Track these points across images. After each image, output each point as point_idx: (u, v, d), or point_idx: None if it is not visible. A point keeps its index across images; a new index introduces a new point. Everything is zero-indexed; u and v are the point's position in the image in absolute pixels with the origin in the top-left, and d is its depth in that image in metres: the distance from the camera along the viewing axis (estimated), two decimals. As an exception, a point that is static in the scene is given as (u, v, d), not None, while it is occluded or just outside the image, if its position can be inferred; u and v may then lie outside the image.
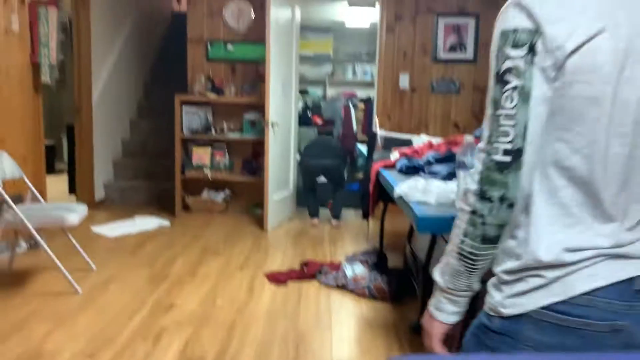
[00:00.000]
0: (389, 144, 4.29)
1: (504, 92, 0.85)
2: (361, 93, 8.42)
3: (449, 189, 2.08)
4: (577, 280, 0.87)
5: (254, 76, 5.47)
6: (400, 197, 2.11)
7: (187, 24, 5.49)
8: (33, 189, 3.66)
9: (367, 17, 7.06)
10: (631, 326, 0.87)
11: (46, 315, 2.89)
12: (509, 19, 0.86)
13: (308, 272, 3.61)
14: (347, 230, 4.99)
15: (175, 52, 6.64)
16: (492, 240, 0.90)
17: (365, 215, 4.60)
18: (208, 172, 5.35)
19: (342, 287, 3.39)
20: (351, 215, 5.53)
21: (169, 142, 5.63)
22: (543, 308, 0.89)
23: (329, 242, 4.57)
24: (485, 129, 0.89)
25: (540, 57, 0.83)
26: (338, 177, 5.17)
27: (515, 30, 0.84)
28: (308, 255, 4.10)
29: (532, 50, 0.83)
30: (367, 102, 7.88)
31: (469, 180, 0.91)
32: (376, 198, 3.50)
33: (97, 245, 4.24)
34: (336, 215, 5.18)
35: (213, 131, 5.41)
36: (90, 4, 5.26)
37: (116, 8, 5.94)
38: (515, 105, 0.84)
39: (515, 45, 0.84)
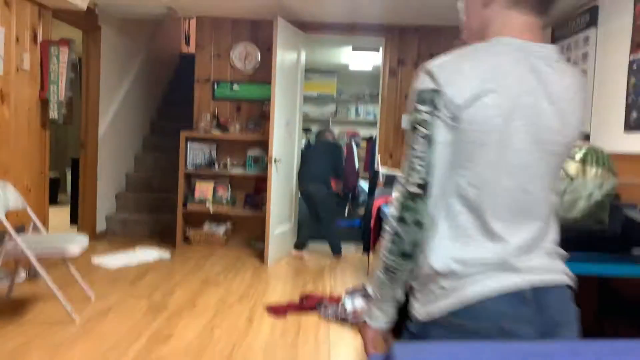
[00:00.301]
0: (390, 181, 4.34)
1: (416, 139, 1.04)
2: (364, 132, 8.52)
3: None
4: (469, 290, 1.02)
5: (259, 114, 5.57)
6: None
7: (195, 64, 5.63)
8: (36, 219, 3.69)
9: (370, 61, 7.22)
10: (519, 330, 1.01)
11: (42, 345, 2.87)
12: (420, 81, 1.06)
13: (308, 305, 3.59)
14: (348, 265, 4.97)
15: (182, 92, 6.80)
16: (408, 256, 1.07)
17: (366, 250, 4.60)
18: (210, 206, 5.38)
19: (343, 321, 3.37)
20: (352, 250, 5.52)
21: (173, 177, 5.69)
22: (446, 315, 1.04)
23: (330, 275, 4.55)
24: (404, 166, 1.08)
25: (442, 111, 1.02)
26: (323, 205, 5.16)
27: (423, 91, 1.04)
28: (308, 289, 4.07)
29: (435, 106, 1.02)
30: (370, 140, 7.98)
31: (391, 207, 1.10)
32: (377, 233, 3.54)
33: (97, 275, 4.23)
34: (333, 250, 5.21)
35: (216, 166, 5.47)
36: (100, 44, 5.41)
37: (126, 48, 6.11)
38: (424, 149, 1.04)
39: (423, 102, 1.04)
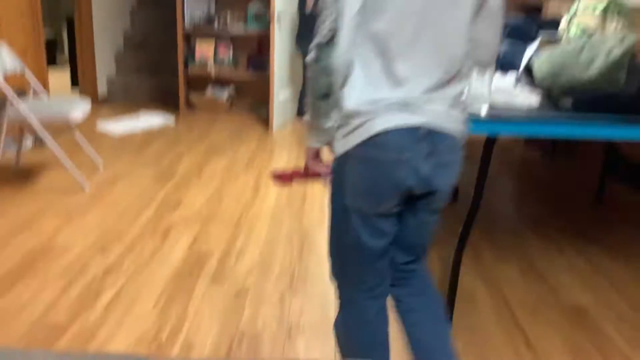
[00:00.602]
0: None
1: None
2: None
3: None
4: (374, 124, 1.19)
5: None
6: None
7: None
8: (36, 83, 3.60)
9: None
10: (413, 159, 1.21)
11: (55, 212, 2.96)
12: None
13: (312, 172, 3.63)
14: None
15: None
16: (325, 96, 1.30)
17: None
18: (212, 68, 5.23)
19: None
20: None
21: (172, 34, 5.45)
22: (356, 147, 1.22)
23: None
24: (319, 20, 1.25)
25: None
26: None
27: None
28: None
29: None
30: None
31: (309, 55, 1.28)
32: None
33: (103, 142, 4.25)
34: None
35: (216, 23, 5.20)
36: None
37: None
38: (332, 3, 1.21)
39: None
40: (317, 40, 1.24)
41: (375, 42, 1.18)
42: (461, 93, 1.27)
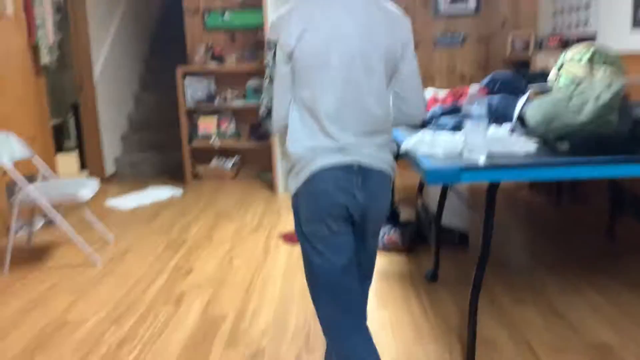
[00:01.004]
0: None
1: (265, 76, 1.56)
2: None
3: (456, 140, 2.07)
4: (315, 164, 1.47)
5: (254, 43, 5.41)
6: (407, 152, 2.11)
7: (183, -6, 5.42)
8: (44, 167, 3.70)
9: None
10: (350, 187, 1.48)
11: (67, 287, 2.96)
12: (268, 32, 1.53)
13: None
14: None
15: (173, 27, 6.58)
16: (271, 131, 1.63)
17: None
18: (215, 141, 5.36)
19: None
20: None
21: (175, 114, 5.63)
22: (302, 185, 1.50)
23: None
24: (260, 99, 1.60)
25: (279, 52, 1.48)
26: None
27: (268, 40, 1.52)
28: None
29: (274, 51, 1.49)
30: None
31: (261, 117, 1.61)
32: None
33: (113, 217, 4.30)
34: None
35: (217, 100, 5.39)
36: (84, -21, 5.19)
37: (111, -19, 5.87)
38: (267, 86, 1.55)
39: (269, 49, 1.51)
40: (260, 111, 1.60)
41: (307, 108, 1.49)
42: (387, 139, 1.55)
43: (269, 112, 1.56)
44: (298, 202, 1.53)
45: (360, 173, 1.48)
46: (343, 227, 1.52)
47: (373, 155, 1.50)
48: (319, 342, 2.28)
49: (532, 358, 2.11)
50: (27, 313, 2.66)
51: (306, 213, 1.52)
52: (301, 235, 1.57)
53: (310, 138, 1.48)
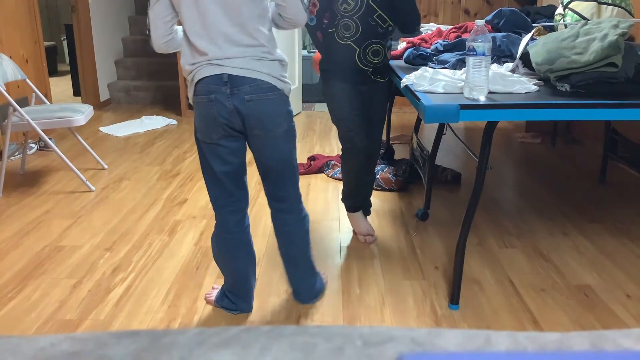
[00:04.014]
0: (396, 34, 4.16)
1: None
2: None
3: (457, 77, 2.03)
4: (195, 76, 1.71)
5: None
6: (407, 87, 2.08)
7: None
8: (37, 90, 3.63)
9: None
10: (220, 98, 1.69)
11: (62, 213, 2.99)
12: None
13: (315, 166, 3.66)
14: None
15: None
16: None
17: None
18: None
19: (350, 180, 3.45)
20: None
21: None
22: (193, 96, 1.75)
23: (336, 136, 4.57)
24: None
25: None
26: None
27: None
28: (315, 150, 4.13)
29: None
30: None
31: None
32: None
33: (107, 145, 4.28)
34: None
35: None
36: None
37: None
38: (149, 11, 1.72)
39: None
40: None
41: (184, 29, 1.69)
42: (263, 52, 1.70)
43: (149, 32, 1.75)
44: (194, 111, 1.78)
45: (230, 83, 1.67)
46: (224, 136, 1.75)
47: (245, 66, 1.67)
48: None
49: (514, 297, 2.18)
50: (21, 237, 2.70)
51: (195, 122, 1.79)
52: (196, 140, 1.83)
53: (190, 55, 1.70)
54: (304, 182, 3.47)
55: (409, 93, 2.03)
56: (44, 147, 4.05)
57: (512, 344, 0.38)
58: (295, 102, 5.35)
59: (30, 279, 2.31)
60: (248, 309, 2.06)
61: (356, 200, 2.64)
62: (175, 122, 4.98)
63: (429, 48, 2.62)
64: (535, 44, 2.06)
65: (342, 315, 2.07)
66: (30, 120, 3.17)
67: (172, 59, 5.49)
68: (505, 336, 0.39)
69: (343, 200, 2.69)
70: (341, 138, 2.49)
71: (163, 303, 2.13)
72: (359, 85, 2.44)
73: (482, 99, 1.79)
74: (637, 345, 0.39)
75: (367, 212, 2.73)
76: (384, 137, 4.11)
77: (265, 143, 1.79)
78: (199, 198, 3.20)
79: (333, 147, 4.23)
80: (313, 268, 2.12)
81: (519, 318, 2.04)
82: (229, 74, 1.67)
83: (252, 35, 1.68)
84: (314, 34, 2.48)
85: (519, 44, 2.28)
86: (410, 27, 2.44)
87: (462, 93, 1.87)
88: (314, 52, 4.99)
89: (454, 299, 2.10)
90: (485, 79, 1.79)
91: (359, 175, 2.56)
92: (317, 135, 4.60)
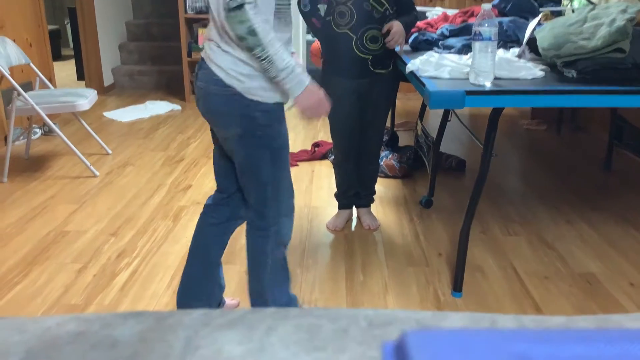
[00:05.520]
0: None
1: None
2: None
3: (463, 62, 2.01)
4: None
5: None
6: (412, 73, 2.06)
7: None
8: (41, 75, 3.63)
9: None
10: (197, 82, 1.60)
11: (67, 198, 3.00)
12: None
13: (319, 152, 3.65)
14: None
15: None
16: None
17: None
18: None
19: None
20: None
21: (174, 24, 5.46)
22: None
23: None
24: None
25: None
26: None
27: None
28: (319, 137, 4.12)
29: None
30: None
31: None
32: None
33: (111, 130, 4.28)
34: None
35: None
36: None
37: None
38: None
39: None
40: None
41: None
42: (220, 41, 1.51)
43: None
44: None
45: (198, 66, 1.59)
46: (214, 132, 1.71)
47: (207, 52, 1.56)
48: (314, 260, 2.35)
49: (518, 284, 2.18)
50: (27, 222, 2.71)
51: None
52: None
53: None
54: (307, 168, 3.47)
55: (414, 79, 2.02)
56: (48, 132, 4.06)
57: (518, 327, 0.38)
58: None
59: (35, 264, 2.32)
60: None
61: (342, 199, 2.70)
62: (179, 107, 4.97)
63: (435, 33, 2.60)
64: (542, 29, 2.04)
65: (346, 301, 2.08)
66: (35, 105, 3.17)
67: (175, 43, 5.47)
68: (511, 319, 0.39)
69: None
70: (332, 152, 2.50)
71: (168, 288, 2.15)
72: (360, 78, 2.36)
73: (488, 85, 1.78)
74: (644, 328, 0.39)
75: (369, 202, 2.73)
76: (388, 124, 4.10)
77: (222, 139, 1.66)
78: (204, 184, 3.21)
79: (337, 134, 4.21)
80: (262, 296, 1.77)
81: (522, 305, 2.04)
82: (201, 56, 1.60)
83: (215, 22, 1.53)
84: (309, 20, 2.44)
85: (525, 28, 2.26)
86: (411, 5, 2.38)
87: (468, 79, 1.85)
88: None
89: (457, 286, 2.11)
90: (492, 65, 1.78)
91: (342, 184, 2.66)
92: (321, 122, 4.58)
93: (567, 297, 2.09)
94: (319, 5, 2.39)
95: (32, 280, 2.19)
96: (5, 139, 3.60)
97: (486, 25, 1.74)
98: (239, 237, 2.45)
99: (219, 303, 1.92)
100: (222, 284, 1.90)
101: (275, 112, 1.59)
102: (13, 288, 2.14)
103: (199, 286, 1.83)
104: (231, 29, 1.45)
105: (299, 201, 2.96)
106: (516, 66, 1.94)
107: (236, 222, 1.84)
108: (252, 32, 1.42)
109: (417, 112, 4.78)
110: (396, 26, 2.23)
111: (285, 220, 1.70)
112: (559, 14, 2.66)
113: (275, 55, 1.44)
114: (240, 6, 1.40)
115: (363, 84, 2.38)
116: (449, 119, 2.86)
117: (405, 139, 3.86)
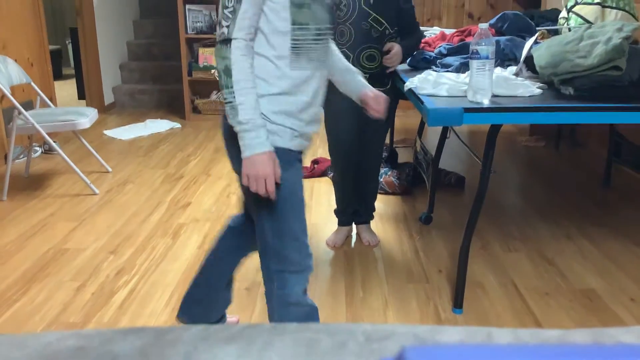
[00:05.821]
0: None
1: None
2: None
3: (461, 80, 2.03)
4: None
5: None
6: (411, 91, 2.08)
7: None
8: (42, 94, 3.65)
9: None
10: None
11: (66, 216, 3.00)
12: None
13: (318, 169, 3.66)
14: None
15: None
16: None
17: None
18: (215, 73, 5.27)
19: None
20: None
21: (175, 44, 5.51)
22: None
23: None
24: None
25: None
26: None
27: None
28: (319, 154, 4.13)
29: None
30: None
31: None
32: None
33: (111, 148, 4.30)
34: None
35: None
36: None
37: None
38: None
39: None
40: None
41: None
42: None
43: None
44: None
45: None
46: None
47: None
48: (313, 278, 2.34)
49: (518, 301, 2.17)
50: (26, 240, 2.71)
51: None
52: None
53: None
54: (307, 185, 3.48)
55: (413, 96, 2.04)
56: (48, 150, 4.07)
57: (514, 340, 0.38)
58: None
59: (34, 282, 2.31)
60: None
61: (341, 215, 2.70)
62: (179, 125, 5.00)
63: (433, 51, 2.63)
64: (539, 48, 2.06)
65: (345, 317, 2.07)
66: (35, 124, 3.19)
67: (176, 62, 5.51)
68: (507, 333, 0.39)
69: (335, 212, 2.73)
70: (331, 168, 2.51)
71: (167, 306, 2.14)
72: None
73: (486, 102, 1.79)
74: (638, 341, 0.39)
75: (369, 219, 2.73)
76: (387, 141, 4.11)
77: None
78: (203, 201, 3.21)
79: (336, 151, 4.23)
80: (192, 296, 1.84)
81: (523, 321, 2.03)
82: None
83: None
84: None
85: (522, 47, 2.28)
86: (413, 25, 2.41)
87: (466, 96, 1.87)
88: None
89: (457, 303, 2.10)
90: (489, 82, 1.80)
91: (344, 198, 2.66)
92: (320, 138, 4.60)
93: (568, 313, 2.08)
94: None
95: (30, 298, 2.18)
96: (6, 157, 3.61)
97: (483, 44, 1.76)
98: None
99: (220, 318, 1.91)
100: (228, 297, 1.88)
101: (279, 158, 1.42)
102: (12, 305, 2.14)
103: (205, 293, 1.83)
104: (215, 62, 1.36)
105: (298, 218, 2.96)
106: (514, 84, 1.96)
107: None
108: (227, 72, 1.31)
109: (416, 129, 4.81)
110: (396, 48, 2.27)
111: (291, 277, 1.48)
112: (556, 32, 2.70)
113: (240, 106, 1.31)
114: (227, 41, 1.30)
115: None
116: (448, 136, 2.88)
117: (404, 156, 3.88)
